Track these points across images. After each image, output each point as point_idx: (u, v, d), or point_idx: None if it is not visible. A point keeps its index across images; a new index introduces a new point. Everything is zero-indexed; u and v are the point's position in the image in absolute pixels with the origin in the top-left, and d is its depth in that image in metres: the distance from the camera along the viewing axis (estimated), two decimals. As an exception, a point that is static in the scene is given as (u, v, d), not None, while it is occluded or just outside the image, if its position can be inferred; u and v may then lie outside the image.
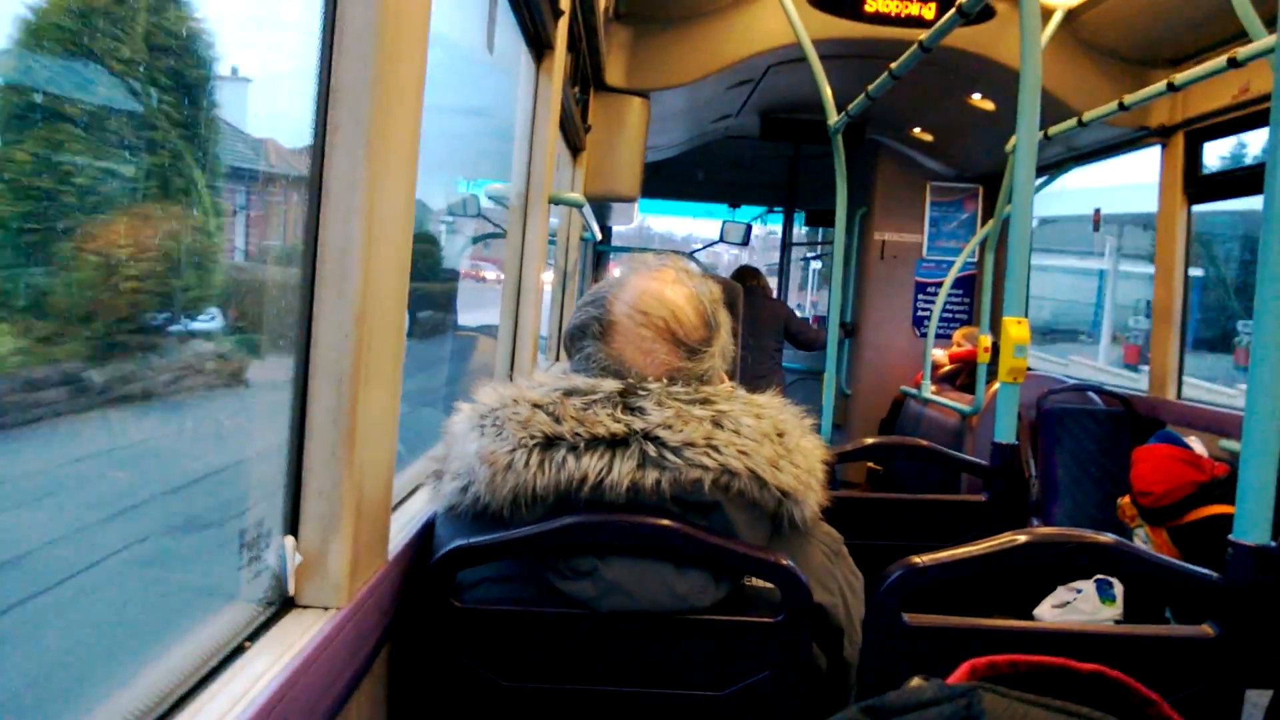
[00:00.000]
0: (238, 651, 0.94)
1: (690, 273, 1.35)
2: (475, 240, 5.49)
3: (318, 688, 0.94)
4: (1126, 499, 3.39)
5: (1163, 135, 4.06)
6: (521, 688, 1.21)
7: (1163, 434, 3.46)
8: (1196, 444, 3.31)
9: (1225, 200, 4.18)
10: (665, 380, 1.23)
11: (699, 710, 1.21)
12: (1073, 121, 3.64)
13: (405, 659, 1.29)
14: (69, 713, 0.80)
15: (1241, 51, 2.52)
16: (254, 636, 0.97)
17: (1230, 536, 1.39)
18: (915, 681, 0.40)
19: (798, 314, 6.73)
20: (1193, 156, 3.98)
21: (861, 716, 0.38)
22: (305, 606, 1.05)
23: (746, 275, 6.11)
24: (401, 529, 1.34)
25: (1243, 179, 3.82)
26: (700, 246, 10.62)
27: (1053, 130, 3.73)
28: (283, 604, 1.04)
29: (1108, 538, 1.29)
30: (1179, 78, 2.92)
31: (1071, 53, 4.18)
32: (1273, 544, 1.38)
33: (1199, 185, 3.98)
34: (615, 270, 1.35)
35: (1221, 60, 2.64)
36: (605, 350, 1.27)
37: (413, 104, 1.17)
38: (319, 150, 1.04)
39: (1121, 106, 3.27)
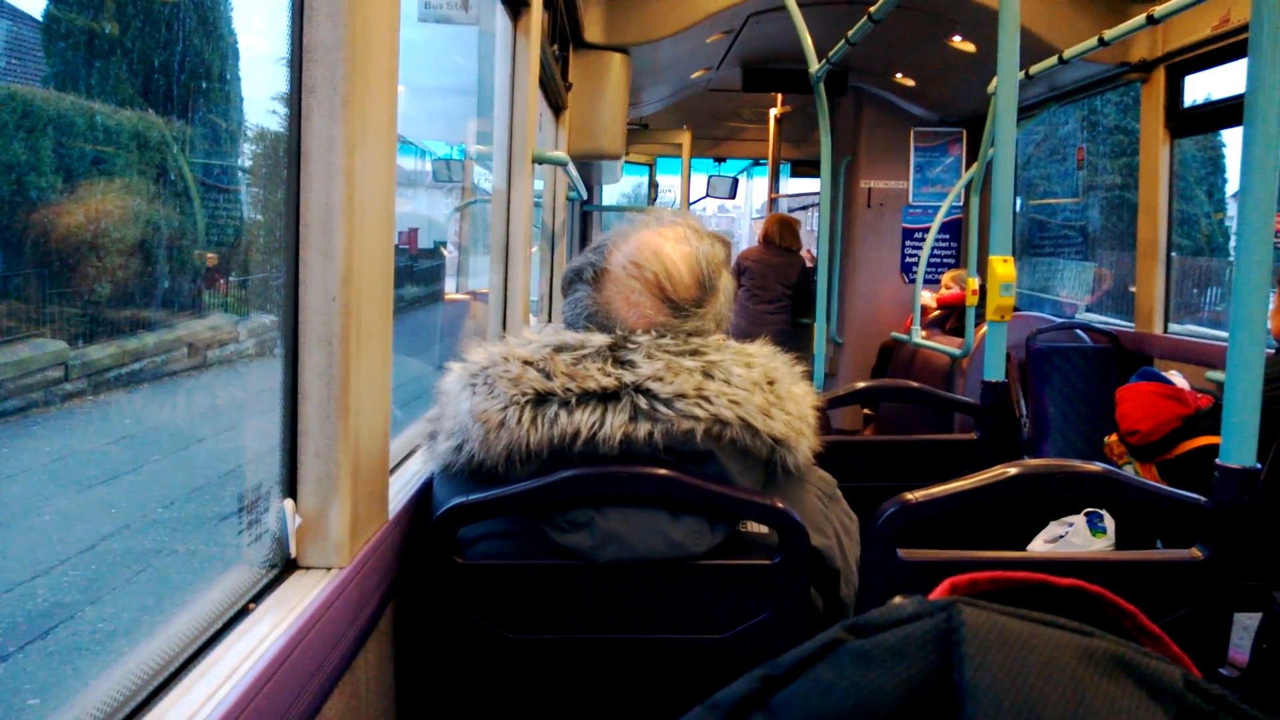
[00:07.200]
0: (242, 613, 0.96)
1: (699, 234, 1.33)
2: (459, 208, 5.45)
3: (323, 645, 0.96)
4: (1114, 438, 3.43)
5: (1144, 70, 4.04)
6: (527, 639, 1.23)
7: (1143, 371, 3.49)
8: (1178, 378, 3.34)
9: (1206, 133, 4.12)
10: (653, 333, 1.24)
11: (703, 652, 1.24)
12: (1053, 60, 3.61)
13: (411, 616, 1.31)
14: (85, 674, 0.82)
15: (1221, -21, 2.50)
16: (258, 598, 0.99)
17: (1217, 461, 1.41)
18: (897, 600, 0.41)
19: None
20: (1174, 90, 3.96)
21: (845, 634, 0.39)
22: (308, 567, 1.06)
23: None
24: (401, 489, 1.35)
25: (1224, 111, 3.81)
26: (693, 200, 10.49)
27: (1034, 69, 3.70)
28: (285, 565, 1.05)
29: (1096, 467, 1.31)
30: (1159, 10, 2.90)
31: (1051, -11, 4.14)
32: (1257, 465, 1.40)
33: (1181, 119, 3.97)
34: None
35: (1201, -11, 2.63)
36: (595, 297, 1.28)
37: (388, 62, 1.16)
38: (295, 112, 1.03)
39: (1102, 42, 3.24)
